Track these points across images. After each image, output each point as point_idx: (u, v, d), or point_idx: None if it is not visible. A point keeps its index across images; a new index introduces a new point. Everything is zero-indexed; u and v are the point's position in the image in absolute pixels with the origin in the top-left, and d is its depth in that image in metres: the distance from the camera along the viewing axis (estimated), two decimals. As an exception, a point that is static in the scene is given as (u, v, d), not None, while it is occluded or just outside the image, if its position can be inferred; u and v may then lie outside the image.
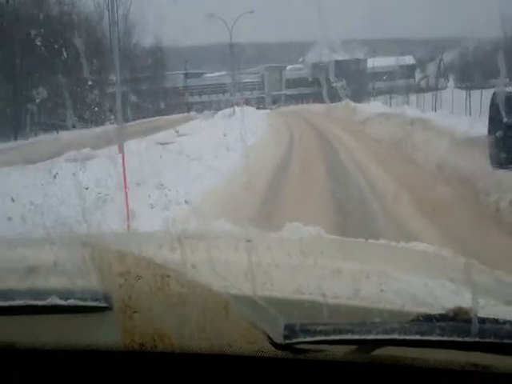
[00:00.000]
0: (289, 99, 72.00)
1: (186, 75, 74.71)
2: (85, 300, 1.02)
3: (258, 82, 78.66)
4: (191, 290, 1.00)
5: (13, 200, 8.51)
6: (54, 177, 9.74)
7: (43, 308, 1.02)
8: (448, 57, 62.03)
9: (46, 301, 1.01)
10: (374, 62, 64.76)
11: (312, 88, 69.21)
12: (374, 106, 29.10)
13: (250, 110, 39.15)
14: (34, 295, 1.03)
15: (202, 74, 77.55)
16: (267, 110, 61.56)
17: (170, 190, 9.07)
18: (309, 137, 22.38)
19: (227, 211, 7.43)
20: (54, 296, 1.02)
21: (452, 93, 32.87)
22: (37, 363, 1.04)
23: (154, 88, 55.78)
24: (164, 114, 49.26)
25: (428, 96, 38.11)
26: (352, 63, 68.54)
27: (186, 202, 8.19)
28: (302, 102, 67.59)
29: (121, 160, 8.26)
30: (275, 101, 74.85)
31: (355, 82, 65.42)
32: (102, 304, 1.01)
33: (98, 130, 20.17)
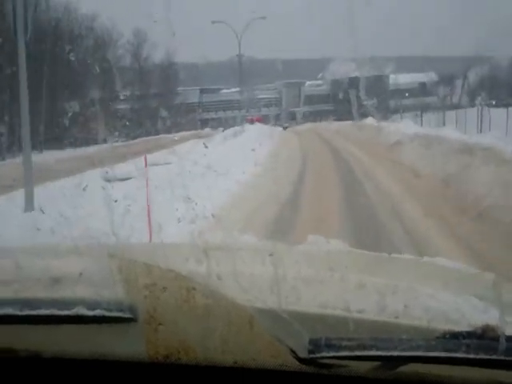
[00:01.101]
0: (307, 116, 69.29)
1: (202, 91, 69.09)
2: (110, 311, 1.01)
3: (276, 99, 76.04)
4: (216, 302, 0.99)
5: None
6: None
7: (69, 318, 1.02)
8: (474, 74, 56.04)
9: (72, 311, 1.02)
10: (397, 79, 63.45)
11: (331, 105, 67.02)
12: (403, 126, 23.32)
13: (263, 129, 33.78)
14: (60, 305, 1.03)
15: (219, 89, 73.29)
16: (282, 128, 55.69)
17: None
18: (327, 168, 16.64)
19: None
20: (80, 306, 1.02)
21: (488, 112, 26.80)
22: (62, 372, 1.05)
23: (168, 104, 50.60)
24: (177, 131, 47.72)
25: (460, 114, 31.86)
26: (373, 79, 62.86)
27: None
28: (321, 120, 61.45)
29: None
30: (293, 117, 67.89)
31: (377, 98, 59.68)
32: (128, 315, 1.01)
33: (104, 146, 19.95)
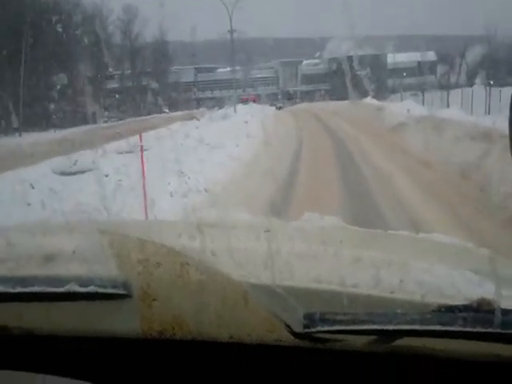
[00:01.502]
0: (304, 95, 67.90)
1: (197, 70, 67.04)
2: (104, 287, 1.01)
3: (273, 78, 73.97)
4: (210, 277, 0.99)
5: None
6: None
7: (62, 295, 1.01)
8: (472, 54, 54.25)
9: (65, 288, 1.01)
10: (395, 58, 61.30)
11: (329, 84, 65.24)
12: (405, 106, 21.36)
13: (257, 109, 31.70)
14: (52, 282, 1.03)
15: (215, 68, 71.30)
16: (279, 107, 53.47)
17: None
18: (326, 154, 14.71)
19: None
20: (73, 283, 1.01)
21: (488, 91, 24.91)
22: (55, 350, 1.05)
23: (161, 83, 48.66)
24: (171, 111, 46.03)
25: (464, 93, 29.74)
26: (371, 58, 61.03)
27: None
28: (319, 99, 59.14)
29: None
30: (290, 97, 65.04)
31: (375, 77, 60.06)
32: (121, 291, 1.01)
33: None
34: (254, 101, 51.43)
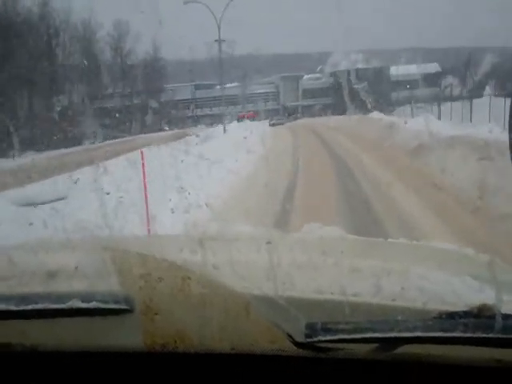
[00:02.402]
0: (306, 110, 65.86)
1: (197, 87, 63.24)
2: (106, 303, 1.01)
3: (273, 93, 71.62)
4: (212, 291, 1.00)
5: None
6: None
7: (64, 311, 1.02)
8: (480, 64, 50.38)
9: (68, 304, 1.01)
10: (398, 70, 59.10)
11: (331, 98, 63.00)
12: (420, 122, 17.02)
13: (252, 127, 27.90)
14: (55, 299, 1.03)
15: (214, 85, 67.41)
16: (280, 124, 49.30)
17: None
18: (331, 193, 10.30)
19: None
20: (76, 299, 1.02)
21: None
22: (59, 366, 1.06)
23: (154, 102, 44.65)
24: (162, 130, 43.06)
25: (482, 106, 25.13)
26: (374, 71, 61.83)
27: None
28: (321, 114, 54.65)
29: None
30: (291, 112, 68.21)
31: (378, 91, 58.76)
32: (124, 306, 1.01)
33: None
34: (253, 117, 47.22)
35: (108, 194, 8.31)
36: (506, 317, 0.91)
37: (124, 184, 8.87)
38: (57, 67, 36.74)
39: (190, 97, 62.78)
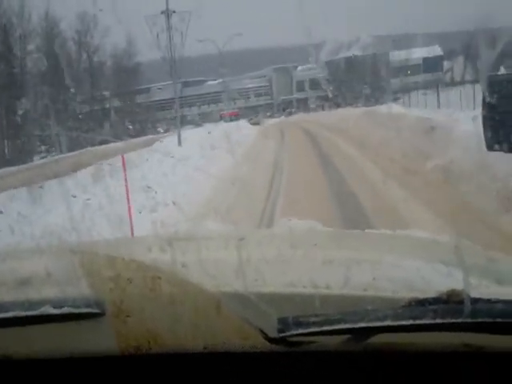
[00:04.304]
0: (301, 104, 60.44)
1: (185, 84, 56.36)
2: (78, 307, 1.01)
3: (266, 87, 65.13)
4: (182, 289, 1.00)
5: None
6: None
7: (36, 318, 1.01)
8: (489, 45, 41.40)
9: (39, 310, 1.01)
10: (399, 56, 52.36)
11: (327, 89, 55.75)
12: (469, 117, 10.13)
13: (223, 132, 23.90)
14: (26, 306, 1.03)
15: (203, 81, 60.30)
16: (275, 119, 42.54)
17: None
18: None
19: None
20: (47, 305, 1.01)
21: None
22: (33, 373, 1.06)
23: (130, 104, 38.04)
24: (137, 135, 38.29)
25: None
26: (373, 58, 54.69)
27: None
28: (316, 108, 47.31)
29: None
30: (285, 107, 63.65)
31: (378, 78, 53.66)
32: (95, 310, 1.01)
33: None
34: (234, 115, 40.73)
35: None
36: (474, 301, 0.91)
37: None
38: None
39: (171, 96, 56.19)
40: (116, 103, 41.15)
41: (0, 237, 6.72)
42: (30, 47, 33.53)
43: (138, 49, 43.89)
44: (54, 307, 1.00)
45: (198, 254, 1.18)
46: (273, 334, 0.94)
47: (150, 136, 34.43)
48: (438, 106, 23.70)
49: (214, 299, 0.97)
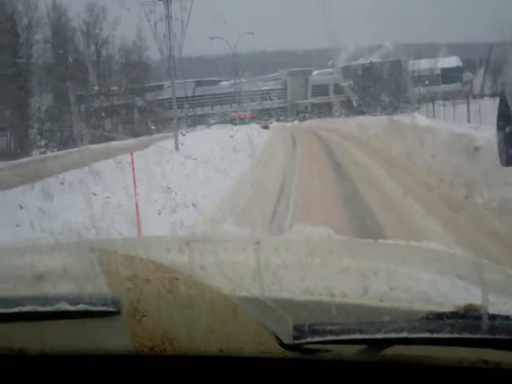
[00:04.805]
0: (316, 109, 58.44)
1: (198, 83, 55.20)
2: (94, 305, 1.02)
3: (280, 90, 63.23)
4: (199, 292, 1.00)
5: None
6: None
7: (52, 314, 1.02)
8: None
9: (55, 306, 1.01)
10: (417, 65, 50.82)
11: (344, 95, 53.90)
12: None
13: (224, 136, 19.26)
14: (42, 301, 1.04)
15: (218, 81, 58.91)
16: (288, 124, 41.34)
17: None
18: None
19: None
20: (63, 302, 1.02)
21: None
22: (47, 369, 1.06)
23: (139, 101, 36.54)
24: (149, 133, 37.10)
25: None
26: (391, 65, 52.74)
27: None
28: (332, 114, 45.73)
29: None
30: (300, 111, 61.24)
31: (396, 87, 51.20)
32: (111, 308, 1.01)
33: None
34: (247, 118, 39.48)
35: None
36: (492, 317, 0.91)
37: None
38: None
39: (184, 95, 54.36)
40: (122, 100, 39.51)
41: (20, 232, 6.73)
42: (37, 37, 32.22)
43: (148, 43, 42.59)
44: (70, 304, 1.00)
45: (215, 256, 1.17)
46: (288, 340, 0.94)
47: (152, 136, 32.08)
48: (468, 121, 21.71)
49: (231, 303, 0.96)
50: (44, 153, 28.10)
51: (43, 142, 31.19)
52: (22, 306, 1.01)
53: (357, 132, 24.11)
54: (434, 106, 29.74)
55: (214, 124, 44.93)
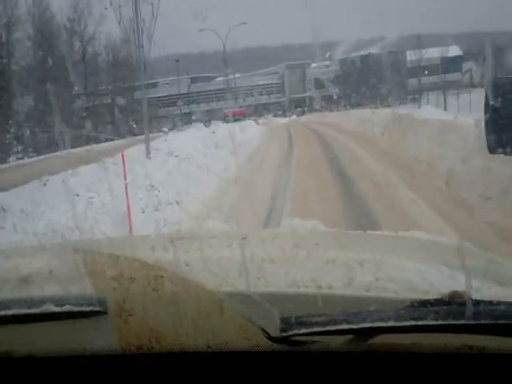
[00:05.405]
0: (315, 103, 56.10)
1: (193, 80, 53.75)
2: (80, 305, 1.02)
3: (277, 84, 61.10)
4: (185, 288, 1.00)
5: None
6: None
7: (37, 316, 1.02)
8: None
9: (41, 308, 1.01)
10: (416, 55, 49.04)
11: (342, 88, 53.24)
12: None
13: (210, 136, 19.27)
14: (28, 304, 1.04)
15: (213, 77, 57.49)
16: (285, 119, 40.26)
17: None
18: None
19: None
20: (49, 303, 1.02)
21: None
22: (34, 371, 1.06)
23: (126, 100, 34.87)
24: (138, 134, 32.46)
25: None
26: (389, 56, 49.90)
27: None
28: (331, 108, 50.24)
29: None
30: (298, 105, 58.65)
31: (395, 78, 47.52)
32: (97, 308, 1.02)
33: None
34: (241, 114, 38.08)
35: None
36: (476, 303, 0.92)
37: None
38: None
39: (176, 92, 52.34)
40: (108, 100, 37.53)
41: (3, 234, 6.71)
42: (18, 35, 30.34)
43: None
44: (56, 305, 1.00)
45: (200, 252, 1.17)
46: (275, 333, 0.94)
47: (137, 137, 29.33)
48: (470, 111, 19.76)
49: (216, 298, 0.97)
50: (21, 158, 26.59)
51: (20, 148, 29.58)
52: (8, 308, 1.01)
53: (359, 127, 21.29)
54: (445, 96, 27.82)
55: (196, 122, 43.01)
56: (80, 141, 23.01)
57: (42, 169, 15.32)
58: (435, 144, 11.82)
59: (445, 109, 23.41)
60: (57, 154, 21.25)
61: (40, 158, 23.80)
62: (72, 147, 19.59)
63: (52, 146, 25.42)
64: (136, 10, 18.45)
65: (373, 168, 12.43)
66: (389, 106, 37.13)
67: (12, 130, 29.18)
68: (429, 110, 16.08)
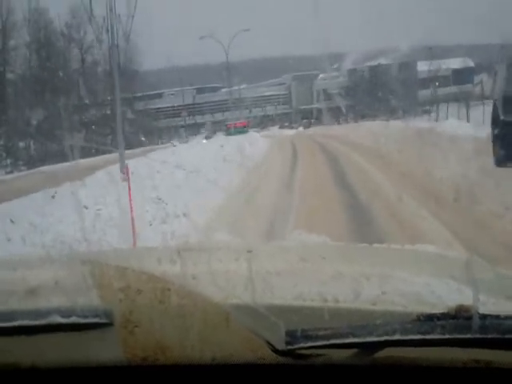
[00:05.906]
0: (322, 114, 53.83)
1: (199, 91, 53.22)
2: (86, 317, 1.03)
3: (284, 95, 60.04)
4: (192, 301, 1.01)
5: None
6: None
7: (45, 327, 1.03)
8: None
9: (47, 320, 1.02)
10: (427, 66, 47.74)
11: (351, 100, 50.59)
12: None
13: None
14: (35, 315, 1.05)
15: (219, 88, 56.48)
16: (292, 131, 38.67)
17: None
18: None
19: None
20: (55, 315, 1.03)
21: None
22: (40, 382, 1.07)
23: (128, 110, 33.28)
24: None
25: None
26: (399, 67, 49.69)
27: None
28: (339, 119, 49.11)
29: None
30: (304, 116, 57.68)
31: (405, 89, 46.62)
32: (103, 320, 1.03)
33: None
34: (244, 126, 36.91)
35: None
36: (482, 317, 0.92)
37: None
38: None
39: (181, 103, 50.90)
40: (104, 111, 36.05)
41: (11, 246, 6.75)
42: (14, 42, 29.05)
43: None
44: (63, 316, 1.01)
45: (207, 265, 1.17)
46: (281, 346, 0.95)
47: (135, 149, 27.15)
48: (483, 122, 17.86)
49: (223, 311, 0.98)
50: (10, 172, 25.21)
51: (9, 161, 28.18)
52: (15, 320, 1.02)
53: (371, 142, 19.10)
54: (467, 109, 25.65)
55: (201, 134, 41.94)
56: (73, 154, 21.53)
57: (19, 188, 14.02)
58: (458, 163, 9.50)
59: (468, 121, 21.73)
60: (46, 167, 19.85)
61: (20, 174, 22.47)
62: (63, 161, 18.24)
63: (45, 159, 24.10)
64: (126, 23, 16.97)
65: (385, 189, 10.14)
66: (399, 118, 35.60)
67: (1, 142, 27.89)
68: (452, 124, 14.22)
